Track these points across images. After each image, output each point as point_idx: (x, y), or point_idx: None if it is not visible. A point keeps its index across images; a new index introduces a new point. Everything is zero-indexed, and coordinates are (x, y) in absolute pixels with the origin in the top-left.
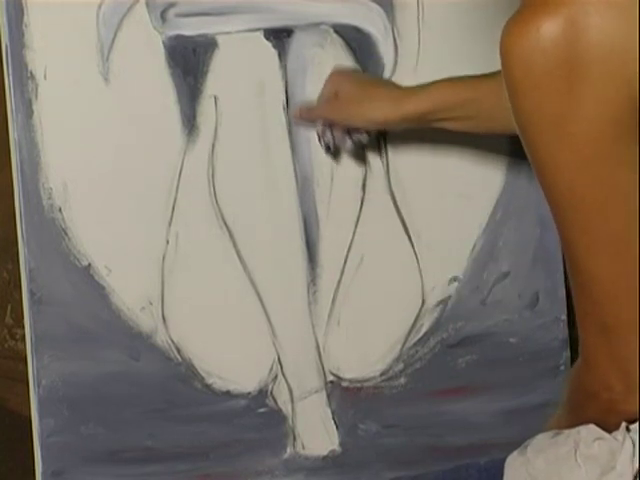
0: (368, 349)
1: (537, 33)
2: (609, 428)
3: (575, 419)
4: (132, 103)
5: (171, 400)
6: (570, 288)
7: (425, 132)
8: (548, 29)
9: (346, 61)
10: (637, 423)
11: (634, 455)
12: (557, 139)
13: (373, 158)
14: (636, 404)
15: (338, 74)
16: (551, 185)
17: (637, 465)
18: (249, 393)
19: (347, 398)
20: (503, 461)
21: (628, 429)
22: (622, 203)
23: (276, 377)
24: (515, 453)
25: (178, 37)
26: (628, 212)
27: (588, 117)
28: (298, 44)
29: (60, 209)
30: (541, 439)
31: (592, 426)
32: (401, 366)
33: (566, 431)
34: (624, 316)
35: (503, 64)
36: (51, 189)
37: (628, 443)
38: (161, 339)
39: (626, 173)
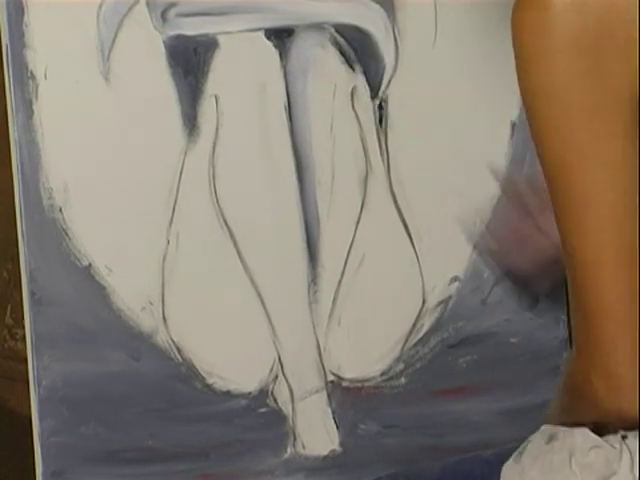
0: (369, 349)
1: (549, 2)
2: (599, 426)
3: (567, 416)
4: (133, 103)
5: (171, 400)
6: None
7: (426, 132)
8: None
9: (347, 61)
10: (635, 431)
11: (633, 466)
12: (564, 109)
13: (374, 158)
14: (618, 402)
15: None
16: (550, 155)
17: (637, 474)
18: (249, 393)
19: (347, 398)
20: (506, 454)
21: (624, 437)
22: (620, 177)
23: (277, 377)
24: (511, 461)
25: (179, 37)
26: (627, 189)
27: (595, 89)
28: (299, 44)
29: (60, 209)
30: (536, 445)
31: (587, 432)
32: (401, 366)
33: (561, 434)
34: (604, 303)
35: (513, 33)
36: (51, 189)
37: (626, 454)
38: (162, 339)
39: (628, 147)
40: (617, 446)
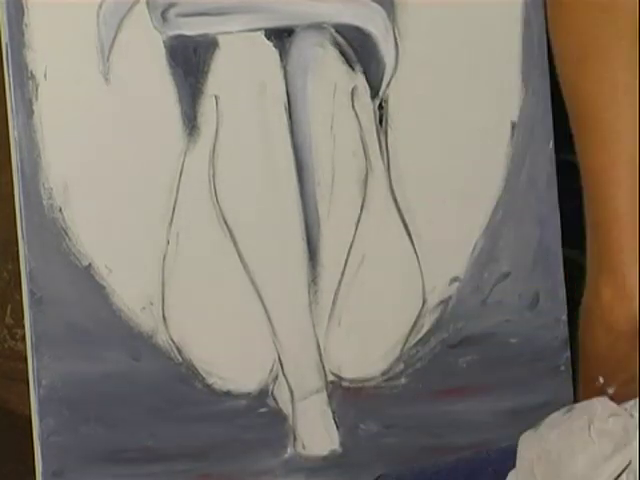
0: (369, 349)
1: None
2: (614, 356)
3: (584, 350)
4: (132, 103)
5: (171, 400)
6: (570, 289)
7: (426, 132)
8: None
9: (347, 61)
10: None
11: None
12: (583, 42)
13: (374, 158)
14: (625, 305)
15: None
16: (569, 84)
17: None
18: (249, 393)
19: (348, 398)
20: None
21: None
22: (631, 97)
23: (277, 377)
24: (529, 430)
25: (179, 37)
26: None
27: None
28: (299, 44)
29: (60, 209)
30: (555, 416)
31: (606, 400)
32: (402, 366)
33: (579, 405)
34: (610, 209)
35: None
36: (51, 189)
37: None
38: (162, 339)
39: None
40: (635, 414)
